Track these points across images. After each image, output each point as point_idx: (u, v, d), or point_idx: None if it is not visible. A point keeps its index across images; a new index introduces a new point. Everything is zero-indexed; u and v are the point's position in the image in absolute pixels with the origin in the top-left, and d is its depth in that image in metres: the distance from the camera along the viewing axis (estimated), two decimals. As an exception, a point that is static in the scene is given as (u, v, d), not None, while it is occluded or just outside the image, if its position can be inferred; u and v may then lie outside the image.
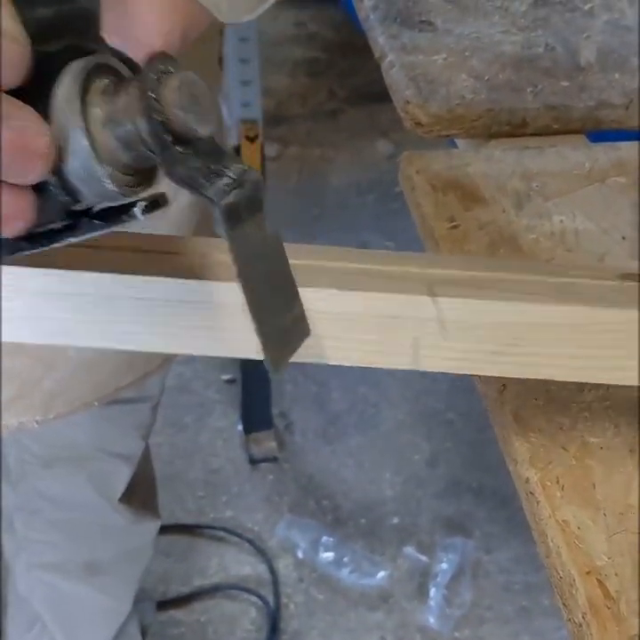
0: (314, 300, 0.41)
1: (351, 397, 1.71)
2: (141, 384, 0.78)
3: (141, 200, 0.35)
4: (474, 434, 1.64)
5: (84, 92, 0.33)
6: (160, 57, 0.34)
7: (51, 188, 0.34)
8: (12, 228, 0.33)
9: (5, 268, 0.40)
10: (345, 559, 1.45)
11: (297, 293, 0.38)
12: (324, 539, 1.47)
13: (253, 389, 1.62)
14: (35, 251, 0.36)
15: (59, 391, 0.72)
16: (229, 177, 0.34)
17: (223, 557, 1.47)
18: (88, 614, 1.01)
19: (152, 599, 1.22)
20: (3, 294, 0.40)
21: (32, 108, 0.32)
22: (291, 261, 0.38)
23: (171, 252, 0.43)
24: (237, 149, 1.62)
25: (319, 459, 1.61)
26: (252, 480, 1.57)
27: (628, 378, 0.42)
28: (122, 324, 0.41)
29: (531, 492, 0.45)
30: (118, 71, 0.35)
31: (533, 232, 0.58)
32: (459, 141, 0.72)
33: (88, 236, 0.35)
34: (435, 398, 1.71)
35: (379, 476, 1.58)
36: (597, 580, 0.41)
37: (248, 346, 0.40)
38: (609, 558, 0.42)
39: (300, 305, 0.39)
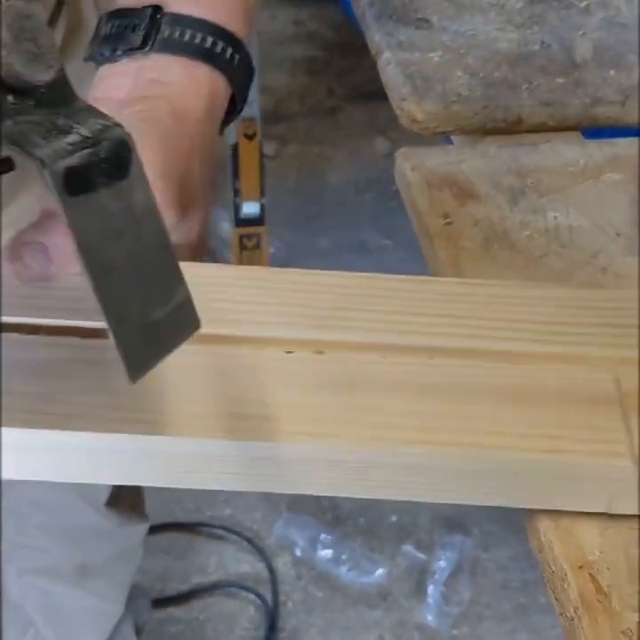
0: None
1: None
2: None
3: None
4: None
5: None
6: None
7: None
8: None
9: None
10: (343, 557, 1.45)
11: (179, 276, 0.32)
12: (323, 537, 1.47)
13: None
14: None
15: None
16: (79, 134, 0.29)
17: (222, 555, 1.47)
18: (81, 617, 1.01)
19: (147, 596, 1.22)
20: None
21: None
22: None
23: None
24: (235, 147, 1.63)
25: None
26: (251, 478, 1.57)
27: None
28: None
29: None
30: None
31: (527, 228, 0.59)
32: (454, 138, 0.73)
33: None
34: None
35: (377, 474, 1.58)
36: (590, 574, 0.41)
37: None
38: (601, 553, 0.42)
39: (185, 291, 0.32)
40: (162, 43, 0.50)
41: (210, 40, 0.50)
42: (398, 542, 1.49)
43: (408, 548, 1.48)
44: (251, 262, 1.67)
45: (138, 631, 1.08)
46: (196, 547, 1.48)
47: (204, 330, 0.41)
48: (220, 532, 1.49)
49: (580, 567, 0.42)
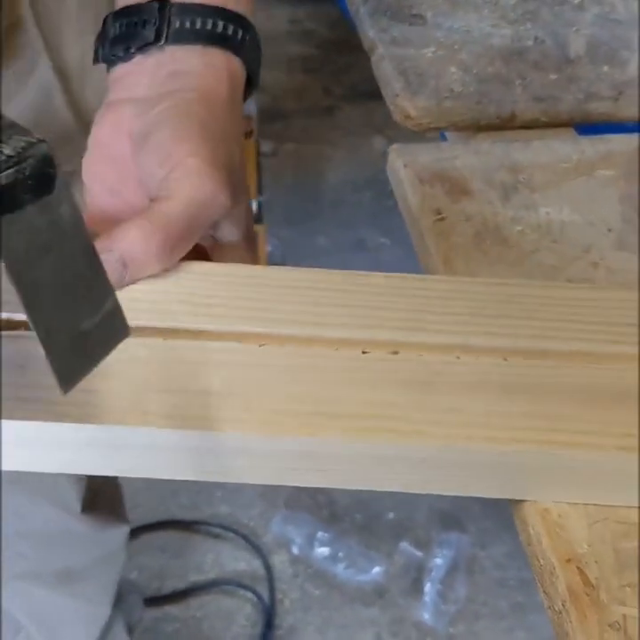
0: None
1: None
2: None
3: None
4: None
5: None
6: None
7: None
8: None
9: None
10: (340, 555, 1.45)
11: (107, 286, 0.33)
12: (320, 534, 1.47)
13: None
14: None
15: None
16: (3, 154, 0.29)
17: (219, 553, 1.47)
18: (69, 620, 1.02)
19: (139, 593, 1.22)
20: None
21: None
22: None
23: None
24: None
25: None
26: (248, 476, 1.57)
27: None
28: None
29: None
30: None
31: (519, 224, 0.59)
32: (448, 135, 0.73)
33: None
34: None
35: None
36: (577, 567, 0.41)
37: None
38: (589, 546, 0.42)
39: (113, 300, 0.33)
40: (175, 34, 0.50)
41: (221, 25, 0.50)
42: (395, 540, 1.49)
43: (405, 545, 1.48)
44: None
45: (131, 629, 1.09)
46: (193, 544, 1.48)
47: (282, 330, 0.45)
48: (217, 529, 1.49)
49: (569, 560, 0.42)
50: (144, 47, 0.50)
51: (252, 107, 1.62)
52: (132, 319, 0.45)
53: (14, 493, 0.90)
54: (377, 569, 1.45)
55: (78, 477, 0.92)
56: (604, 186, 0.62)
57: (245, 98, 0.53)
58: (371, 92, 0.75)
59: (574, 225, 0.59)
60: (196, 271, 0.48)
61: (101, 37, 0.52)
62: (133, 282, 0.45)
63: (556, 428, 0.43)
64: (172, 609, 1.40)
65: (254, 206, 1.66)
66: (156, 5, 0.50)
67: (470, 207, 0.60)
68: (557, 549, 0.42)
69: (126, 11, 0.51)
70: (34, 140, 0.29)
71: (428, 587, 1.43)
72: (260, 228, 1.68)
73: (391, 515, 1.53)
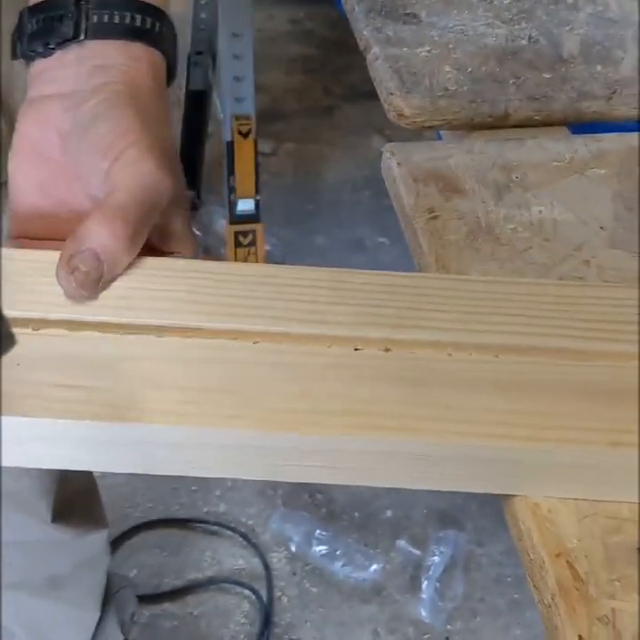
0: None
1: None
2: None
3: None
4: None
5: None
6: None
7: None
8: None
9: None
10: (338, 552, 1.46)
11: None
12: (318, 532, 1.47)
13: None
14: None
15: None
16: None
17: (217, 551, 1.48)
18: (58, 626, 1.02)
19: (132, 586, 1.23)
20: None
21: None
22: None
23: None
24: (231, 145, 1.63)
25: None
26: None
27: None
28: None
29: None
30: None
31: (512, 222, 0.59)
32: (443, 134, 0.73)
33: None
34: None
35: (372, 471, 1.58)
36: (567, 562, 0.42)
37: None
38: (579, 541, 0.42)
39: None
40: (95, 29, 0.50)
41: (139, 18, 0.50)
42: (393, 537, 1.50)
43: (402, 543, 1.48)
44: (245, 259, 1.68)
45: (124, 624, 1.09)
46: (191, 542, 1.48)
47: (277, 328, 0.46)
48: (215, 527, 1.49)
49: (558, 555, 0.42)
50: (63, 43, 0.50)
51: (250, 106, 1.62)
52: (125, 316, 0.46)
53: None
54: (375, 567, 1.45)
55: (47, 488, 0.93)
56: (597, 184, 0.63)
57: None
58: (370, 92, 0.76)
59: (567, 223, 0.59)
60: (194, 269, 0.48)
61: (18, 33, 0.52)
62: (112, 277, 0.46)
63: (547, 425, 0.44)
64: (170, 606, 1.40)
65: (252, 205, 1.67)
66: (71, 0, 0.50)
67: (463, 206, 0.60)
68: (547, 544, 0.42)
69: (42, 6, 0.51)
70: None
71: (425, 584, 1.43)
72: (257, 227, 1.69)
73: (389, 513, 1.53)
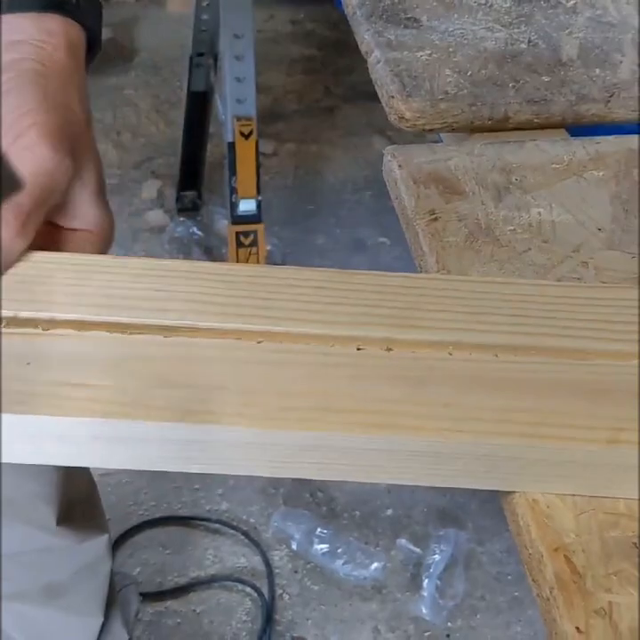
0: None
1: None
2: None
3: None
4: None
5: None
6: None
7: None
8: None
9: None
10: (339, 551, 1.47)
11: None
12: (319, 530, 1.48)
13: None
14: None
15: None
16: None
17: (219, 549, 1.49)
18: (61, 634, 1.01)
19: (135, 584, 1.23)
20: None
21: None
22: None
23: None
24: (232, 145, 1.64)
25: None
26: (248, 473, 1.58)
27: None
28: None
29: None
30: None
31: (511, 224, 0.60)
32: (443, 136, 0.74)
33: None
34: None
35: (373, 469, 1.59)
36: (565, 556, 0.43)
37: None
38: (576, 536, 0.43)
39: None
40: (8, 3, 0.50)
41: None
42: (393, 536, 1.50)
43: (403, 541, 1.49)
44: (247, 260, 1.69)
45: (129, 622, 1.09)
46: (194, 540, 1.49)
47: (280, 328, 0.47)
48: (217, 525, 1.50)
49: (556, 549, 0.43)
50: None
51: (252, 107, 1.63)
52: (131, 317, 0.47)
53: None
54: (375, 565, 1.46)
55: (51, 495, 0.93)
56: (595, 186, 0.64)
57: (88, 62, 0.54)
58: (371, 93, 0.76)
59: (565, 225, 0.60)
60: (198, 271, 0.49)
61: None
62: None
63: (546, 423, 0.44)
64: (173, 604, 1.41)
65: (253, 205, 1.68)
66: None
67: (464, 207, 0.61)
68: (545, 539, 0.43)
69: None
70: None
71: (426, 582, 1.44)
72: (258, 227, 1.70)
73: (389, 511, 1.54)
